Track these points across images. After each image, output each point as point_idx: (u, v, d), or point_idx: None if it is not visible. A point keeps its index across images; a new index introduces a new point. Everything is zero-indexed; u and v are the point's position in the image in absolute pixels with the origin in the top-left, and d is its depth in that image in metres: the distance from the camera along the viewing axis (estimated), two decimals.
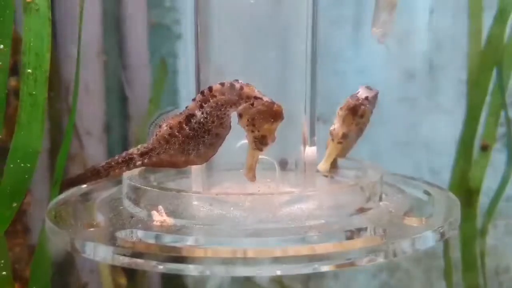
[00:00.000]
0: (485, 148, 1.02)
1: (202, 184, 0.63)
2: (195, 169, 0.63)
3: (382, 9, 0.74)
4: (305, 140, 0.63)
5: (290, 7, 0.62)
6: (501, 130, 1.07)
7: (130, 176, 0.62)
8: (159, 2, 1.18)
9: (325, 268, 0.49)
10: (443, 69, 1.19)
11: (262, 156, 0.57)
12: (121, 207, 0.60)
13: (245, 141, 0.55)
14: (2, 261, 0.67)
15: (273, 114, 0.51)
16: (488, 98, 1.01)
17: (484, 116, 1.03)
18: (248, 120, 0.52)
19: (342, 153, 0.69)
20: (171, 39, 1.19)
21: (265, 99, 0.52)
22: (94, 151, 1.07)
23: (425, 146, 1.22)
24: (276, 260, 0.47)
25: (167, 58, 1.18)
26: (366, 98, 0.64)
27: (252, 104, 0.51)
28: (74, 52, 0.71)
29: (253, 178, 0.55)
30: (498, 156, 1.06)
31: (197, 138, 0.55)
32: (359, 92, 0.65)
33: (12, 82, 0.82)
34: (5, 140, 0.68)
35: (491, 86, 1.01)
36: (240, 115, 0.53)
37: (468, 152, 1.02)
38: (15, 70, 0.76)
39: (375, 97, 0.65)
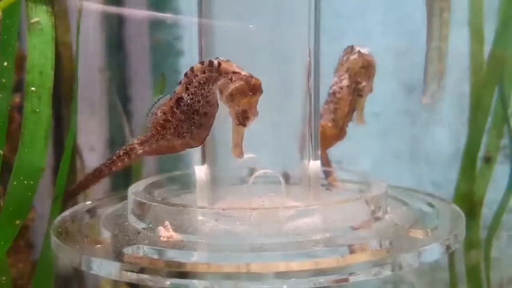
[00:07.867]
0: (488, 160, 1.02)
1: (206, 199, 0.63)
2: (199, 184, 0.63)
3: (431, 80, 0.75)
4: (309, 154, 0.64)
5: (292, 24, 0.63)
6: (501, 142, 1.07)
7: (135, 191, 0.62)
8: (161, 19, 1.19)
9: (331, 282, 0.49)
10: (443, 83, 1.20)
11: (266, 170, 0.58)
12: (127, 223, 0.60)
13: (251, 155, 0.56)
14: (4, 278, 0.67)
15: (252, 88, 0.52)
16: (491, 111, 1.02)
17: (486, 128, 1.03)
18: (227, 96, 0.53)
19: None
20: (172, 55, 1.20)
21: (243, 73, 0.52)
22: None
23: (426, 159, 1.22)
24: (282, 275, 0.47)
25: (169, 74, 1.19)
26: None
27: (231, 79, 0.52)
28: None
29: (240, 155, 0.55)
30: (497, 167, 1.06)
31: (189, 120, 0.56)
32: (352, 52, 0.70)
33: (16, 98, 0.82)
34: (8, 156, 0.68)
35: (493, 98, 1.01)
36: (220, 91, 0.54)
37: (472, 165, 1.02)
38: (19, 86, 0.76)
39: None
